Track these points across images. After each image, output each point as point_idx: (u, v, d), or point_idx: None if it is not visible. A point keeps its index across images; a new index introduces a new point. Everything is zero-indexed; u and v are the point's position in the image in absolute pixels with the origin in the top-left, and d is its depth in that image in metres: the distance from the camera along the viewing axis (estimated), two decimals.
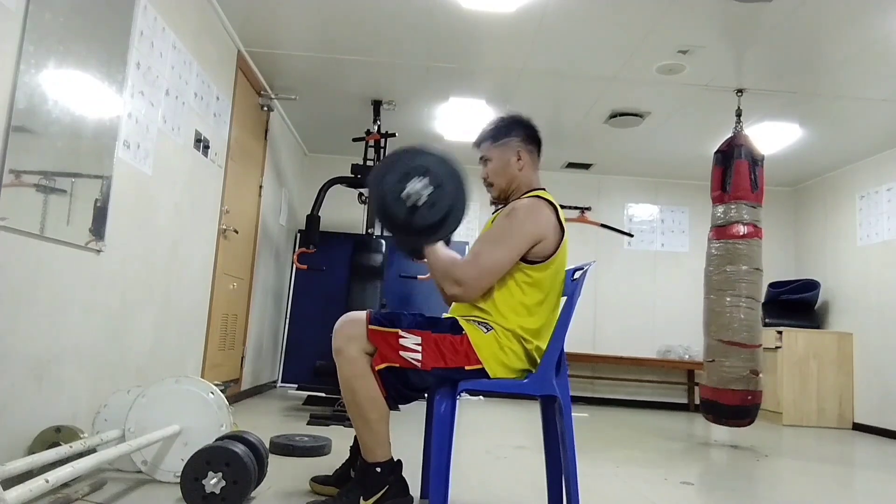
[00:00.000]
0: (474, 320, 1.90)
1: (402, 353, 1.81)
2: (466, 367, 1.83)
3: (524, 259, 1.90)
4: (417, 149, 1.90)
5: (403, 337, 1.82)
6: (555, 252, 1.93)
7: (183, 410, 2.16)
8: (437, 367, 1.82)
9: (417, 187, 1.79)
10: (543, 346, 1.95)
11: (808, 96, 4.22)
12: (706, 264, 4.01)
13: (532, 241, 1.89)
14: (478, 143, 2.13)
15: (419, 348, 1.82)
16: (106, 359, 2.52)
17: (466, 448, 3.25)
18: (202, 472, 1.84)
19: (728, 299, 3.82)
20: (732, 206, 3.90)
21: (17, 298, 1.95)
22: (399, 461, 1.91)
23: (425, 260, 1.93)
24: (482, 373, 1.85)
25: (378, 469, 1.84)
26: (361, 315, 1.87)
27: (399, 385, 1.82)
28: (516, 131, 2.09)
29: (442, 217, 1.84)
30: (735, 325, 3.78)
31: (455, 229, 1.89)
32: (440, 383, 1.86)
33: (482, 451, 3.21)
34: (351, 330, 1.85)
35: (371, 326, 1.83)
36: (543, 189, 2.07)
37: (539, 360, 1.94)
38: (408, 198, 1.80)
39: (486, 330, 1.87)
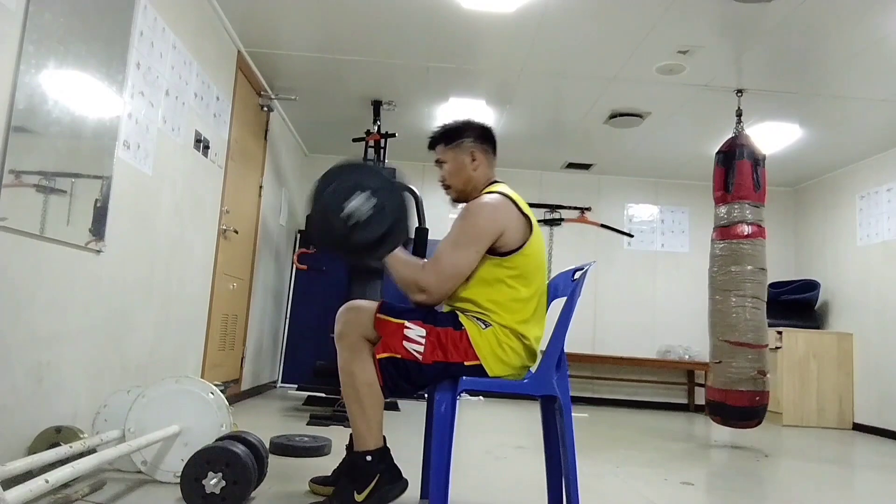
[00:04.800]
0: (473, 315, 1.91)
1: (405, 343, 1.82)
2: (465, 363, 1.85)
3: (497, 253, 1.90)
4: (359, 164, 1.88)
5: (409, 328, 1.84)
6: (525, 240, 1.92)
7: (183, 410, 2.16)
8: (437, 360, 1.83)
9: (358, 204, 1.77)
10: (539, 333, 1.96)
11: (808, 96, 4.22)
12: (710, 265, 4.00)
13: (492, 237, 1.88)
14: (432, 146, 2.12)
15: (423, 341, 1.83)
16: (106, 359, 2.52)
17: (466, 448, 3.25)
18: (202, 472, 1.84)
19: (734, 300, 3.81)
20: (735, 207, 3.89)
21: (17, 298, 1.95)
22: (387, 448, 1.92)
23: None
24: (480, 369, 1.86)
25: (368, 458, 1.85)
26: (364, 303, 1.90)
27: (397, 376, 1.83)
28: (468, 132, 2.09)
29: (382, 234, 1.80)
30: (741, 326, 3.77)
31: (397, 245, 1.85)
32: (439, 378, 1.86)
33: (482, 451, 3.21)
34: (353, 316, 1.87)
35: (379, 315, 1.85)
36: (498, 182, 2.07)
37: (537, 352, 1.94)
38: (349, 217, 1.77)
39: (484, 326, 1.88)
